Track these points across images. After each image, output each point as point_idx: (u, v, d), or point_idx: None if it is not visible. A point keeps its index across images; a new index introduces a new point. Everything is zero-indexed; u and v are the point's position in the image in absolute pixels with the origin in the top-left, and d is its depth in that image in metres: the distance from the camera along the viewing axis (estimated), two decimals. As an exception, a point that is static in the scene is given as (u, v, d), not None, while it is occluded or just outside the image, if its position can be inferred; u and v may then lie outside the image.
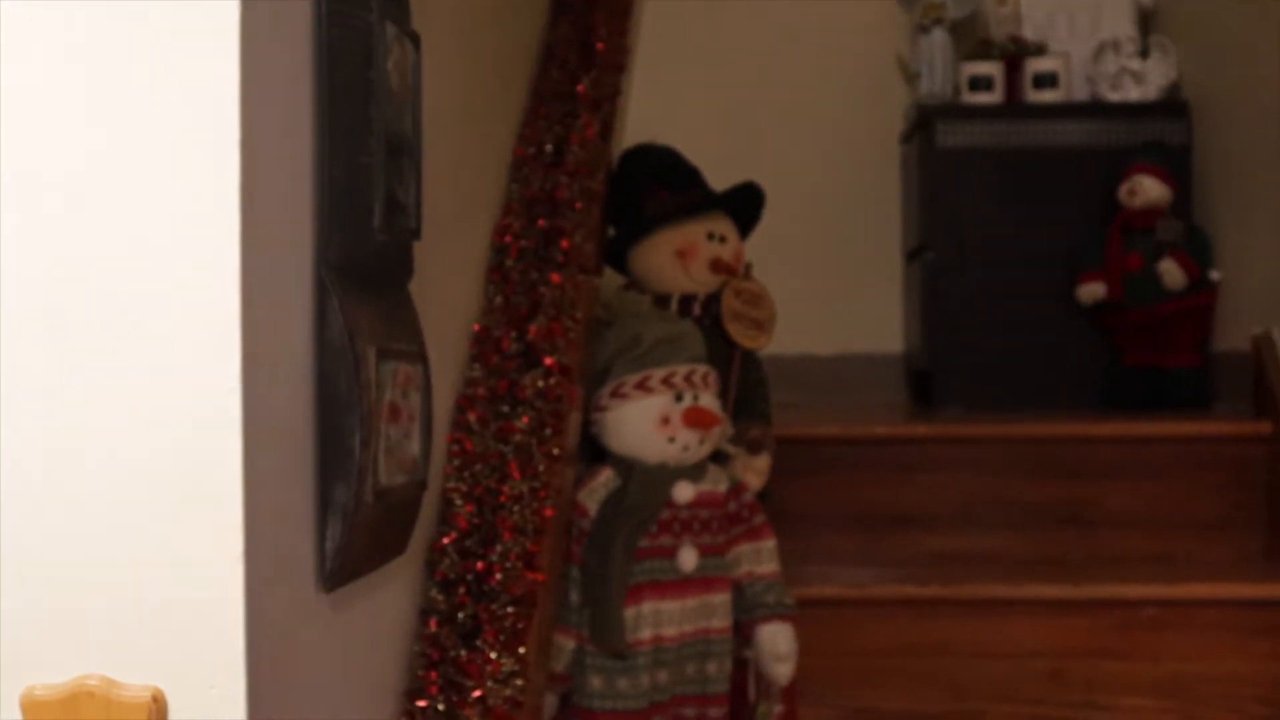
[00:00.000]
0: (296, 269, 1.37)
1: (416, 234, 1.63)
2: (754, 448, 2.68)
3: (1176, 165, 3.68)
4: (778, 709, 2.53)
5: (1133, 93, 3.82)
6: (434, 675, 1.78)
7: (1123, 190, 3.65)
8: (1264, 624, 2.80)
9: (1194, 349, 3.60)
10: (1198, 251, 3.56)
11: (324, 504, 1.40)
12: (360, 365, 1.41)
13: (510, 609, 1.88)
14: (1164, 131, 3.73)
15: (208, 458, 1.21)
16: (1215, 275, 3.54)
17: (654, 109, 3.66)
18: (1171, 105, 3.79)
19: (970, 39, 4.02)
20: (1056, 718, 2.79)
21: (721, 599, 2.49)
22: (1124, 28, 3.92)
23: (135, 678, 1.19)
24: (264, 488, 1.26)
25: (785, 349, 3.19)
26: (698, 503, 2.48)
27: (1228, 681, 2.79)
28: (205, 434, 1.21)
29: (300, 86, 1.39)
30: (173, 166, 1.21)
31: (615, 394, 2.48)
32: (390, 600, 1.73)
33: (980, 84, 3.86)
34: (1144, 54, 3.83)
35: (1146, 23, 3.93)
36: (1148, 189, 3.62)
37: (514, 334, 2.20)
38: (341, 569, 1.43)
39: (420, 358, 1.63)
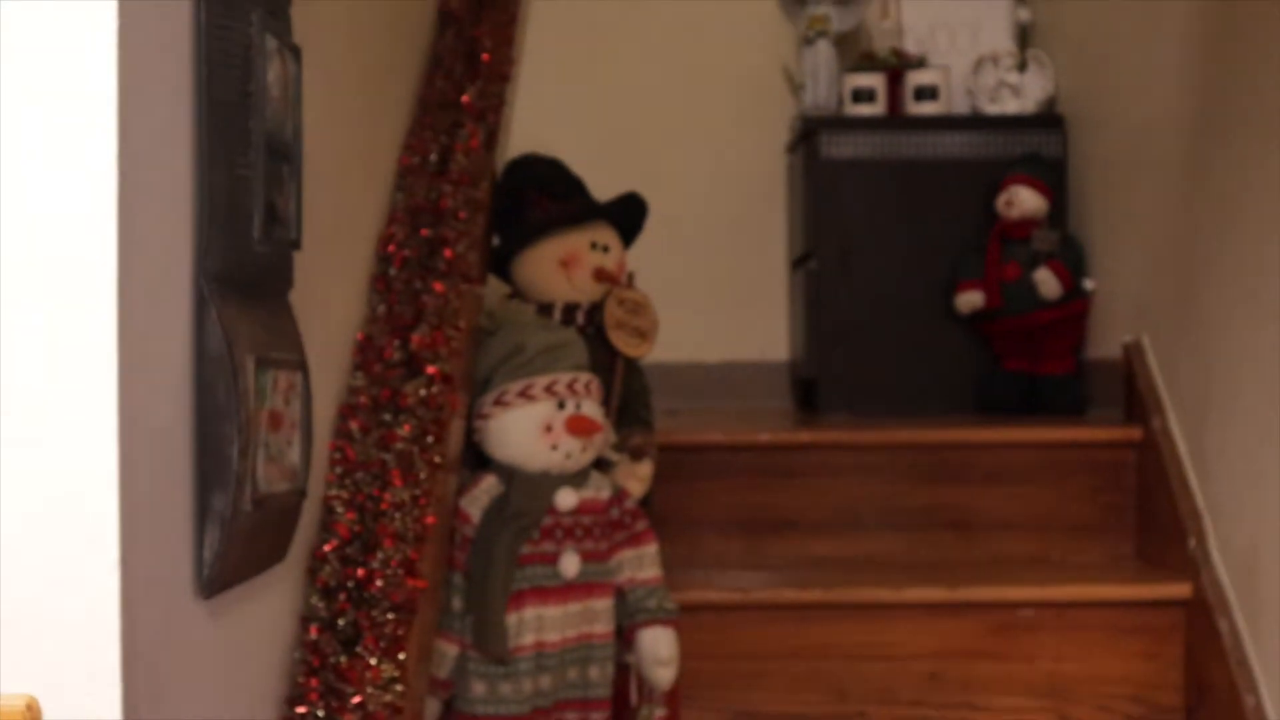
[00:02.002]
0: (175, 279, 1.37)
1: (296, 244, 1.64)
2: (636, 455, 2.71)
3: (1053, 177, 3.74)
4: (660, 713, 2.55)
5: (1011, 105, 3.89)
6: (314, 682, 1.78)
7: (1000, 201, 3.70)
8: (1135, 624, 2.85)
9: (1069, 356, 3.66)
10: (1072, 261, 3.62)
11: (202, 512, 1.41)
12: (238, 374, 1.42)
13: (390, 615, 1.89)
14: (1041, 143, 3.79)
15: (84, 467, 1.21)
16: (1089, 284, 3.60)
17: (539, 119, 3.68)
18: (1048, 118, 3.85)
19: (854, 51, 4.07)
20: (935, 718, 2.84)
21: (604, 604, 2.52)
22: (1003, 42, 3.99)
23: (10, 686, 1.19)
24: (141, 496, 1.26)
25: (672, 356, 3.22)
26: (580, 509, 2.50)
27: (1100, 681, 2.84)
28: (81, 443, 1.21)
29: (180, 99, 1.39)
30: (50, 178, 1.21)
31: (498, 402, 2.50)
32: (270, 607, 1.73)
33: (863, 96, 3.90)
34: (1022, 68, 3.90)
35: (1024, 37, 3.99)
36: (1024, 200, 3.67)
37: (397, 343, 2.21)
38: (219, 576, 1.43)
39: (300, 366, 1.64)
